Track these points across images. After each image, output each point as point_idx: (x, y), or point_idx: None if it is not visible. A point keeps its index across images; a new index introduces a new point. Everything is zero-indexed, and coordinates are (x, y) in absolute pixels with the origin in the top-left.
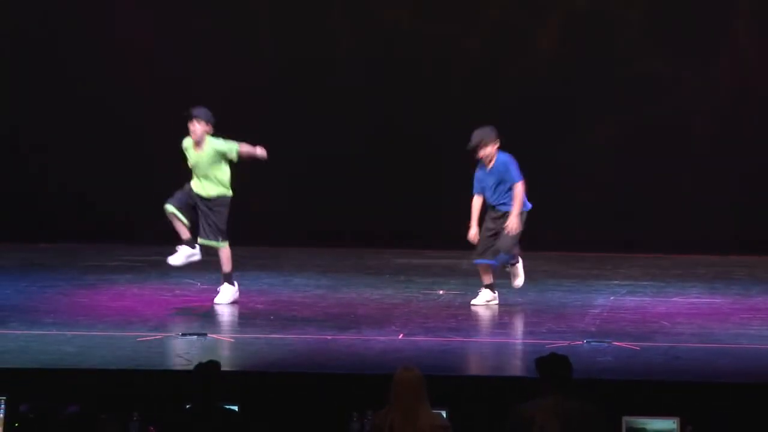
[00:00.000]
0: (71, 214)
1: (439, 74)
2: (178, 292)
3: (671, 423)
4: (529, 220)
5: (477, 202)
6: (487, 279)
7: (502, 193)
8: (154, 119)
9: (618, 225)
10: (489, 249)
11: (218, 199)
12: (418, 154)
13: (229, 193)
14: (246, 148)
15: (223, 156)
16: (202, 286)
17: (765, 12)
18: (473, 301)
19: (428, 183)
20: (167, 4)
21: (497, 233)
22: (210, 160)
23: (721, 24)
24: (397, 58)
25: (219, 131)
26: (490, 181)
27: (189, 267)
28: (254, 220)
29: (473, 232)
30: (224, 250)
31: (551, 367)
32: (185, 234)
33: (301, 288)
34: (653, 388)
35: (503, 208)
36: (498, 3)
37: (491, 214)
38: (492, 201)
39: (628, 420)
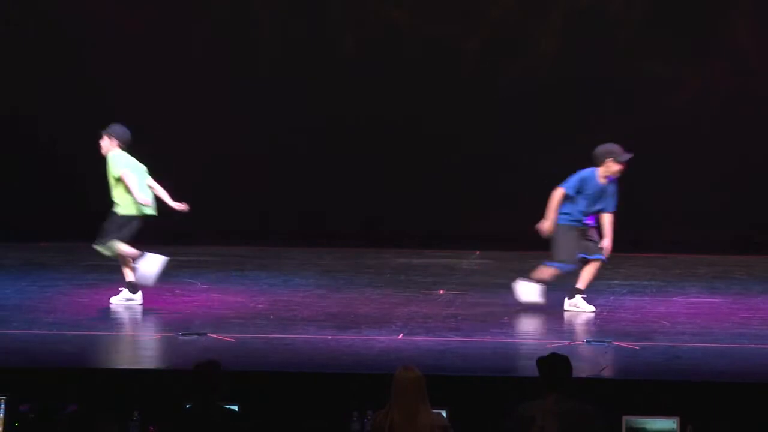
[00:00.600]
0: (72, 213)
1: (440, 74)
2: (178, 291)
3: (671, 423)
4: (530, 219)
5: (561, 197)
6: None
7: (593, 211)
8: (156, 118)
9: (618, 225)
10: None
11: (117, 215)
12: (419, 155)
13: (126, 211)
14: (132, 182)
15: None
16: (202, 286)
17: (765, 12)
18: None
19: (429, 183)
20: (171, 2)
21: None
22: (109, 174)
23: (722, 24)
24: (398, 58)
25: (220, 131)
26: (600, 195)
27: (190, 267)
28: (255, 219)
29: (549, 225)
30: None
31: (551, 367)
32: (128, 276)
33: (302, 288)
34: (653, 387)
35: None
36: (498, 3)
37: (579, 226)
38: (585, 211)
39: (628, 419)
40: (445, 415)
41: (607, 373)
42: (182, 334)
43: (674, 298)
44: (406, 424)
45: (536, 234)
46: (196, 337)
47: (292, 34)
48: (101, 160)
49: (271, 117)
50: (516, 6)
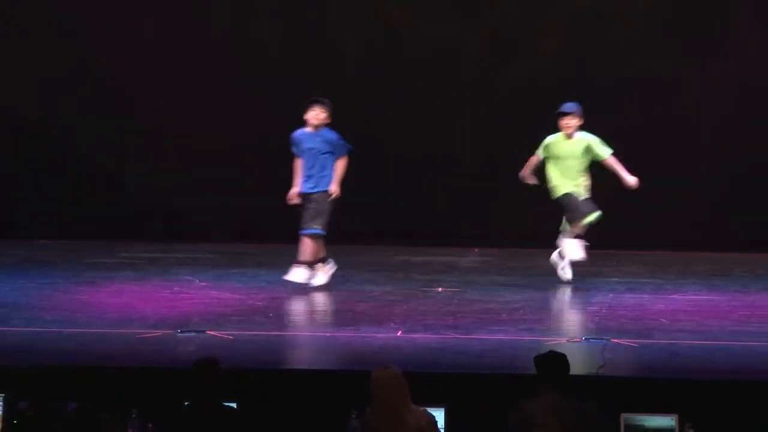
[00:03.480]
0: (71, 211)
1: (441, 73)
2: (176, 289)
3: (670, 420)
4: (530, 217)
5: None
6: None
7: None
8: (155, 117)
9: (617, 222)
10: None
11: None
12: (418, 152)
13: None
14: None
15: None
16: (200, 283)
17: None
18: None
19: (428, 181)
20: (171, 2)
21: None
22: None
23: (725, 23)
24: (400, 57)
25: (218, 129)
26: None
27: (188, 264)
28: (252, 217)
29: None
30: None
31: (549, 365)
32: None
33: (300, 285)
34: (652, 385)
35: None
36: (499, 3)
37: None
38: None
39: (626, 417)
40: (443, 413)
41: (604, 372)
42: (181, 332)
43: (673, 296)
44: (391, 424)
45: (536, 231)
46: (194, 334)
47: (292, 34)
48: (101, 158)
49: (271, 115)
50: (516, 6)
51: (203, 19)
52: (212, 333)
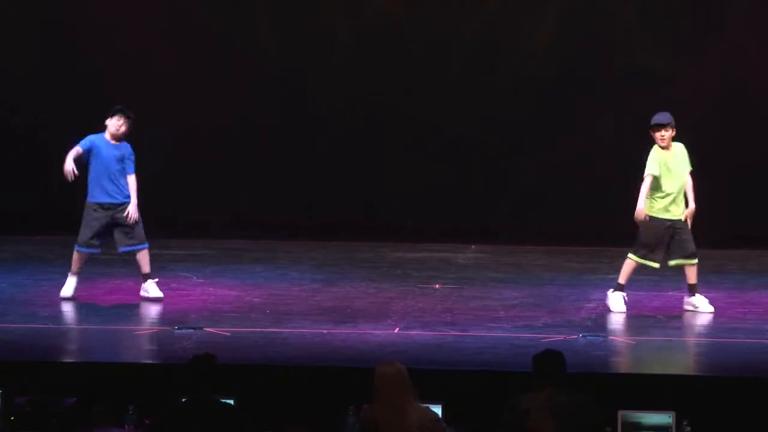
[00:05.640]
0: (67, 206)
1: (436, 67)
2: (174, 285)
3: (667, 417)
4: (525, 212)
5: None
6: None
7: None
8: (154, 114)
9: (614, 218)
10: None
11: None
12: (415, 148)
13: None
14: None
15: None
16: (197, 280)
17: (761, 6)
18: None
19: (425, 176)
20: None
21: None
22: None
23: (718, 18)
24: (398, 51)
25: (215, 126)
26: None
27: (185, 260)
28: (250, 213)
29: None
30: None
31: (546, 363)
32: None
33: (297, 281)
34: (648, 382)
35: None
36: None
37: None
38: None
39: (623, 414)
40: (440, 410)
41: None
42: (178, 328)
43: (669, 292)
44: (394, 420)
45: (531, 227)
46: (191, 331)
47: (289, 27)
48: None
49: (268, 111)
50: (514, 4)
51: (203, 17)
52: (209, 329)
